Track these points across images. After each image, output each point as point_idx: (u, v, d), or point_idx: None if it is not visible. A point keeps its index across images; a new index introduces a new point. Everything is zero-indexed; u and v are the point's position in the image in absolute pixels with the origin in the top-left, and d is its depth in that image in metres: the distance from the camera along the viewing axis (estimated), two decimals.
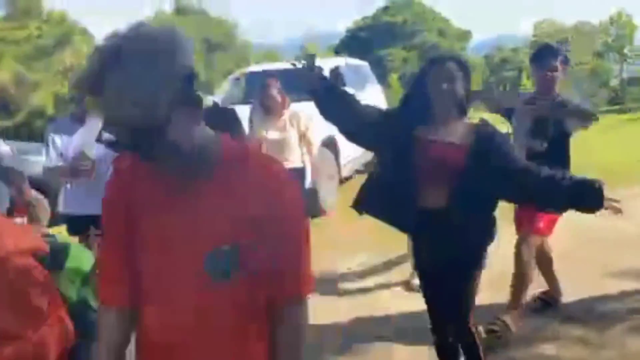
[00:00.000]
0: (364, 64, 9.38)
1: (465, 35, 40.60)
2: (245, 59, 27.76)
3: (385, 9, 39.09)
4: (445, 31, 39.09)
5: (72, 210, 3.75)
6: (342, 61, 8.61)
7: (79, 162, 3.51)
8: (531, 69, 3.39)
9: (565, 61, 3.32)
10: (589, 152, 9.70)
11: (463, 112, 2.41)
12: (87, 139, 3.43)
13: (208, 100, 8.16)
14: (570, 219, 5.43)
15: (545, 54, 3.31)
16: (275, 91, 4.60)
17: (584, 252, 4.57)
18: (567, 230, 5.10)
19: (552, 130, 3.15)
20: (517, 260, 3.31)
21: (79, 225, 3.67)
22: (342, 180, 7.05)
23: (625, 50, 27.85)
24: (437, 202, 2.32)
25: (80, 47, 21.50)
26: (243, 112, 5.87)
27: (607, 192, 2.21)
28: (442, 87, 2.35)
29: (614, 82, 30.95)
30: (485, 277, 2.54)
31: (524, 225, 3.37)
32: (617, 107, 21.25)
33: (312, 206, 5.68)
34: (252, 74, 8.27)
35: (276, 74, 5.08)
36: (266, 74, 6.26)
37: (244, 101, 7.31)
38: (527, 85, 22.75)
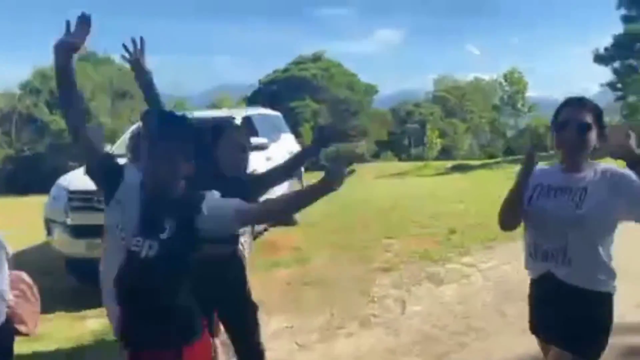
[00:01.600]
0: (276, 114, 9.26)
1: (371, 90, 42.21)
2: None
3: (296, 63, 40.03)
4: (353, 85, 40.49)
5: None
6: (254, 111, 8.42)
7: None
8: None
9: None
10: (492, 204, 10.07)
11: None
12: None
13: (107, 149, 7.60)
14: (488, 272, 5.48)
15: None
16: None
17: (506, 308, 4.51)
18: (490, 285, 5.09)
19: None
20: None
21: None
22: None
23: (519, 105, 30.06)
24: None
25: None
26: None
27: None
28: None
29: (510, 134, 33.21)
30: None
31: None
32: (512, 157, 22.61)
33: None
34: None
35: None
36: None
37: None
38: (432, 137, 23.74)
